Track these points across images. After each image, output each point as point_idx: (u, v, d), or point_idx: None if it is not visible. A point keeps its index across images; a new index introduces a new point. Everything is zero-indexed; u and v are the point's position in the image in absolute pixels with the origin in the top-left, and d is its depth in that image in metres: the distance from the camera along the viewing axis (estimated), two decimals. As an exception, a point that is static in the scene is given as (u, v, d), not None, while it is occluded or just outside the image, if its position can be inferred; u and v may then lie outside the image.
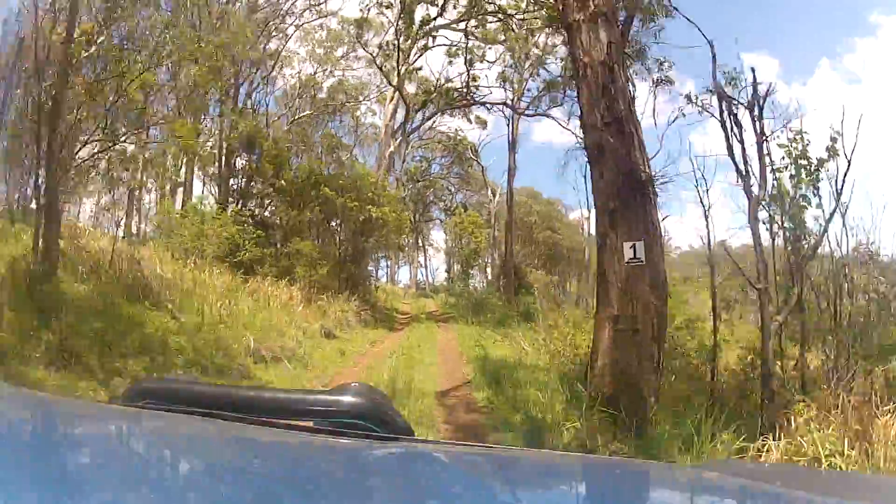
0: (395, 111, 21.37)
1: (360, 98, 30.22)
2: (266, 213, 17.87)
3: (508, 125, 30.28)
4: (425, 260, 68.03)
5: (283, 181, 17.15)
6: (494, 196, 45.34)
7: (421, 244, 64.84)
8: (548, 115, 26.94)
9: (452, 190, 54.61)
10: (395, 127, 21.51)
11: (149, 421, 0.85)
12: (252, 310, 11.47)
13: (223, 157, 18.86)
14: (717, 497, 0.76)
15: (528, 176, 74.61)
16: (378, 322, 17.45)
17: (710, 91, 8.44)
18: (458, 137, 52.66)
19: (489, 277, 39.56)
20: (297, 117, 25.42)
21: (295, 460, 0.76)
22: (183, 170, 19.26)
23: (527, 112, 29.48)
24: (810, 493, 0.74)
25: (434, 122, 51.44)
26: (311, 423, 0.86)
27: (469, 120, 51.95)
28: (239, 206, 18.69)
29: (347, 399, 0.84)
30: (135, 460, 0.71)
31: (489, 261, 43.31)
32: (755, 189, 7.03)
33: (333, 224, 17.50)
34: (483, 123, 51.99)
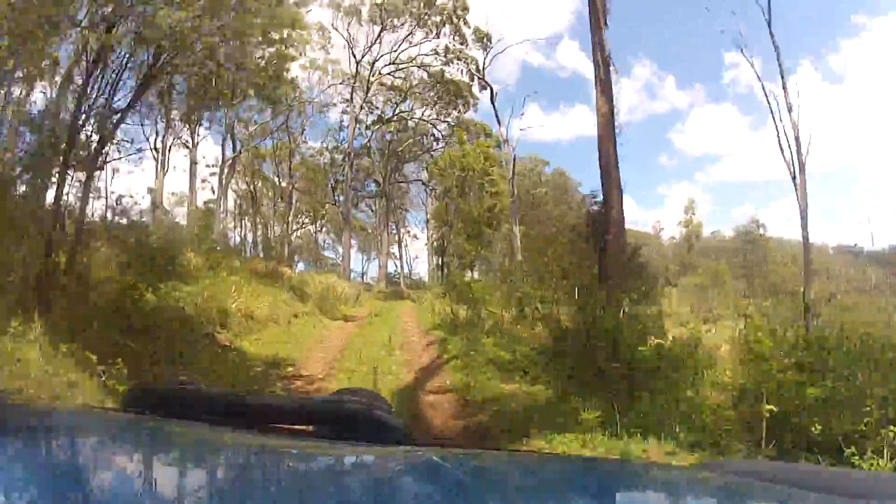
0: None
1: None
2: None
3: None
4: (399, 245, 50.43)
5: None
6: (510, 133, 27.57)
7: (394, 224, 47.20)
8: None
9: (440, 136, 36.98)
10: None
11: (148, 426, 0.82)
12: None
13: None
14: (716, 497, 0.75)
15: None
16: None
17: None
18: (451, 54, 35.24)
19: (517, 259, 22.14)
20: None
21: (295, 465, 0.75)
22: None
23: None
24: (809, 492, 0.73)
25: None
26: (311, 428, 0.84)
27: (464, 39, 34.41)
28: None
29: (347, 404, 0.82)
30: (134, 466, 0.70)
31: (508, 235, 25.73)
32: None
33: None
34: (484, 38, 34.86)
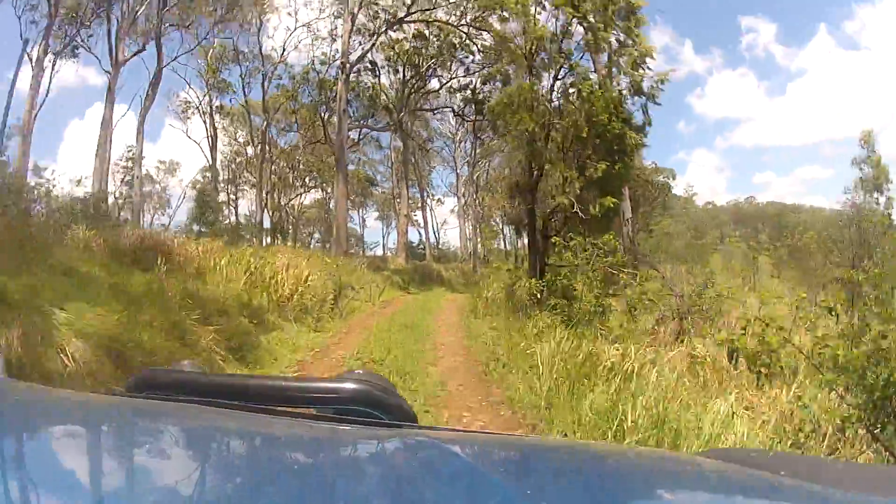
0: None
1: None
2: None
3: None
4: (423, 209, 40.16)
5: None
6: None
7: (415, 182, 36.78)
8: None
9: (475, 49, 25.65)
10: None
11: (151, 411, 0.83)
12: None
13: None
14: (717, 485, 0.73)
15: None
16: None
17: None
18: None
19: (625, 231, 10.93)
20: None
21: (297, 447, 0.74)
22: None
23: None
24: (813, 483, 0.70)
25: None
26: (313, 411, 0.83)
27: None
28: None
29: (350, 386, 0.81)
30: (138, 450, 0.69)
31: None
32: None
33: None
34: None
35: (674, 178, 45.71)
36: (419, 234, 41.83)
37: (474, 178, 38.30)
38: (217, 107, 24.97)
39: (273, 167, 32.53)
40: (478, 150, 36.58)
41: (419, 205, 39.79)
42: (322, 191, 48.37)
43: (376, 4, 22.65)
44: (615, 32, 9.46)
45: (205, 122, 25.79)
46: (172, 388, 0.86)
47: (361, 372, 0.87)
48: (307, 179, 37.57)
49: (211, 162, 25.05)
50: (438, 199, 44.07)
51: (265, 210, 25.24)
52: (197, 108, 25.43)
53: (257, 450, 0.73)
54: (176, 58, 19.95)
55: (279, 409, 0.82)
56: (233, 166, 38.42)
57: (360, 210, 52.51)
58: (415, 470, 0.69)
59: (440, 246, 46.31)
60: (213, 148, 24.83)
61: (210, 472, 0.63)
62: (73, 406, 0.89)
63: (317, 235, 47.61)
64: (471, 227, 38.82)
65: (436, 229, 45.51)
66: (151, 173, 39.47)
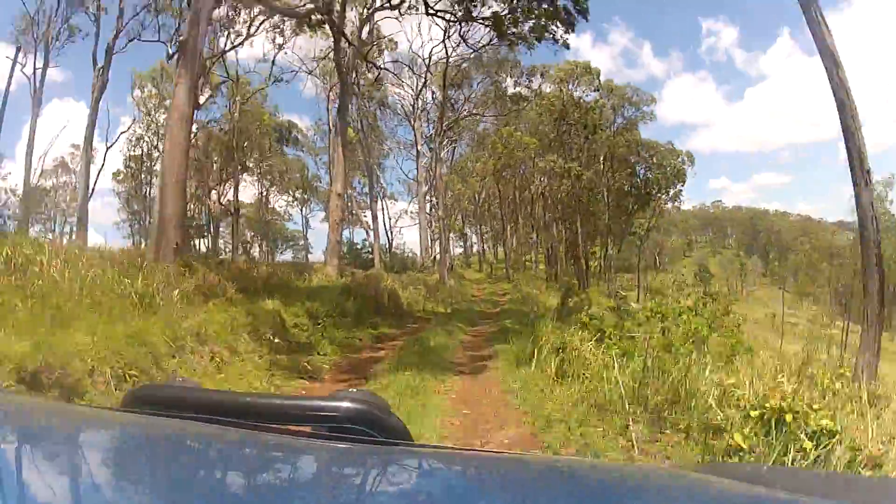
0: None
1: None
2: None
3: None
4: (371, 202, 30.06)
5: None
6: None
7: (363, 158, 26.55)
8: None
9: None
10: None
11: (147, 426, 0.82)
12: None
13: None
14: (716, 500, 0.73)
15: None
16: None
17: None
18: None
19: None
20: None
21: (292, 465, 0.75)
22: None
23: None
24: (812, 497, 0.72)
25: None
26: (308, 429, 0.84)
27: None
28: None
29: (346, 405, 0.81)
30: (132, 465, 0.69)
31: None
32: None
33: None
34: None
35: (692, 164, 37.19)
36: (367, 233, 31.58)
37: (441, 155, 28.38)
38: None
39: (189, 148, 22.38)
40: (448, 117, 26.94)
41: (367, 198, 30.00)
42: (259, 183, 37.86)
43: None
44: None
45: (35, 38, 15.49)
46: (169, 403, 0.83)
47: (357, 391, 0.84)
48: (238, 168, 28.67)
49: (32, 101, 14.34)
50: (392, 196, 34.11)
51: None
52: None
53: (253, 467, 0.71)
54: None
55: (275, 426, 0.80)
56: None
57: (303, 208, 42.44)
58: (410, 488, 0.68)
59: (394, 251, 36.02)
60: (40, 84, 14.33)
61: (204, 488, 0.61)
62: (68, 419, 0.87)
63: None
64: (434, 226, 28.99)
65: (388, 228, 35.26)
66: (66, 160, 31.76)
